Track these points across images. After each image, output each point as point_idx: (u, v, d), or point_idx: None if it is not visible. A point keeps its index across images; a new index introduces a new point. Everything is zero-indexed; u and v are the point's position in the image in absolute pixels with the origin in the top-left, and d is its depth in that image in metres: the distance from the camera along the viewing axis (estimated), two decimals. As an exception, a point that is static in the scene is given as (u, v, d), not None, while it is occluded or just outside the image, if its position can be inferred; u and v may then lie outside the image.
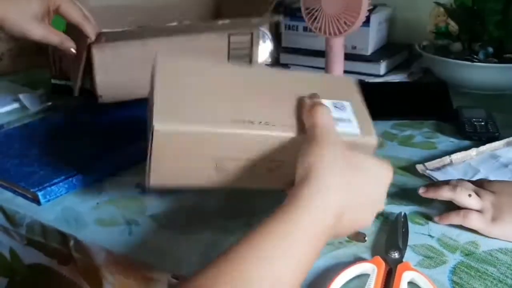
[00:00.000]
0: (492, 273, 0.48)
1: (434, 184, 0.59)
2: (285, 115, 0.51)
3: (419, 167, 0.66)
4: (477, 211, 0.53)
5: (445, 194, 0.55)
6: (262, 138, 0.49)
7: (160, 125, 0.46)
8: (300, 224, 0.41)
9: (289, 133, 0.49)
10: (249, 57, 0.81)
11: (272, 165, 0.51)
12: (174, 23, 0.74)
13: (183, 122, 0.48)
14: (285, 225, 0.41)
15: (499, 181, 0.58)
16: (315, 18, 0.85)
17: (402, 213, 0.56)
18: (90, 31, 0.73)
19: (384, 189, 0.49)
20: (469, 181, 0.57)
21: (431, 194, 0.56)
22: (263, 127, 0.49)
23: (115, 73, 0.77)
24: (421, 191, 0.57)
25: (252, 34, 0.79)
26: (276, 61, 1.15)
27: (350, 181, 0.45)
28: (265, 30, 0.76)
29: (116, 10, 0.93)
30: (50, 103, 0.94)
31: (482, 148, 0.70)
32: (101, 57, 0.76)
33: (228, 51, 0.81)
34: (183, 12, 0.95)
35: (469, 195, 0.54)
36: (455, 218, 0.54)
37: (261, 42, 0.81)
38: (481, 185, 0.56)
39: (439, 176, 0.64)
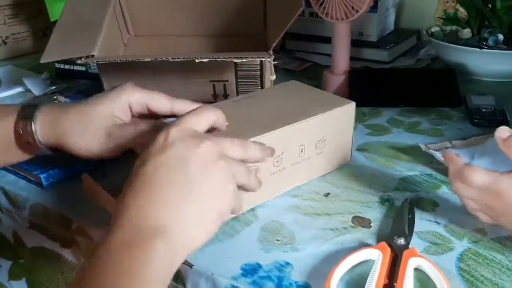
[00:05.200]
0: (500, 261, 0.47)
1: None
2: None
3: (422, 146, 0.66)
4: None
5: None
6: None
7: None
8: None
9: None
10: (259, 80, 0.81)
11: None
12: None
13: None
14: None
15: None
16: (322, 3, 0.84)
17: (408, 199, 0.55)
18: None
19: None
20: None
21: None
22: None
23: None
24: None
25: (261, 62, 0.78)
26: (281, 48, 1.14)
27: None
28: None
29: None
30: (54, 88, 0.93)
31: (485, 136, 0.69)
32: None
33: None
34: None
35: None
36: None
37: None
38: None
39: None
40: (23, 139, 0.54)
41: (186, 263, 0.48)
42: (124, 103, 0.54)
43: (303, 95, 0.65)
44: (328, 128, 0.60)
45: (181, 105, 0.54)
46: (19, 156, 0.57)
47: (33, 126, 0.54)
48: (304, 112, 0.58)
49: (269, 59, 0.74)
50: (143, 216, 0.39)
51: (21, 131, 0.54)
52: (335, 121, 0.60)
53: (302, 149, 0.58)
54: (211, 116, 0.47)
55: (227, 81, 0.80)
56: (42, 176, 0.61)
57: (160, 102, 0.55)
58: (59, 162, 0.63)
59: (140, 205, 0.40)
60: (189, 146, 0.42)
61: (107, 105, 0.54)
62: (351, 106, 0.61)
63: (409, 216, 0.53)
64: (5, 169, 0.66)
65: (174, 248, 0.39)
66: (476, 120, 0.75)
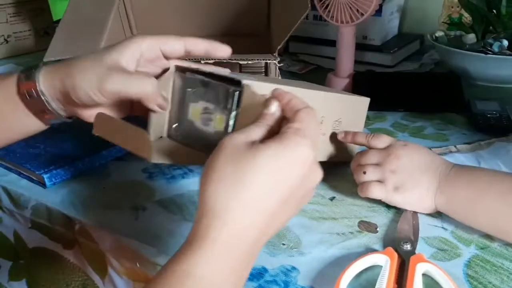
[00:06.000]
0: (508, 268, 0.46)
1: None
2: None
3: None
4: (379, 181, 0.54)
5: (359, 139, 0.58)
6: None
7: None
8: None
9: None
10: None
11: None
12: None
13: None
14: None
15: (404, 144, 0.56)
16: (327, 6, 0.84)
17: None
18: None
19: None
20: (372, 147, 0.58)
21: (349, 138, 0.58)
22: None
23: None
24: (339, 136, 0.59)
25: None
26: (284, 50, 1.14)
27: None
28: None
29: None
30: (56, 87, 0.93)
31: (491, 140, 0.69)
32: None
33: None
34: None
35: (364, 172, 0.55)
36: (360, 193, 0.55)
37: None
38: (386, 150, 0.56)
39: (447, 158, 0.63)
40: (26, 94, 0.49)
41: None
42: (133, 51, 0.50)
43: (318, 86, 0.65)
44: (346, 111, 0.60)
45: (193, 42, 0.52)
46: (28, 121, 0.51)
47: (36, 77, 0.49)
48: (327, 90, 0.58)
49: (274, 61, 0.73)
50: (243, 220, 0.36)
51: (24, 88, 0.49)
52: (351, 107, 0.62)
53: (322, 120, 0.57)
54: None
55: None
56: (45, 176, 0.60)
57: (173, 42, 0.51)
58: (62, 160, 0.63)
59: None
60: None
61: (113, 53, 0.49)
62: (366, 100, 0.64)
63: (413, 222, 0.52)
64: (7, 168, 0.65)
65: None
66: (481, 126, 0.74)
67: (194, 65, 0.49)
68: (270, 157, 0.36)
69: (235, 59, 0.70)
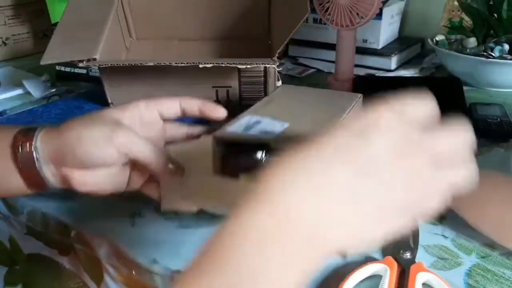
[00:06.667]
0: (510, 277, 0.46)
1: None
2: None
3: None
4: None
5: None
6: None
7: None
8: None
9: None
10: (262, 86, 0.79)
11: None
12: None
13: None
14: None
15: None
16: (327, 9, 0.83)
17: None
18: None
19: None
20: None
21: None
22: None
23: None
24: None
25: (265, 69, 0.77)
26: (284, 54, 1.13)
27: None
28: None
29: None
30: (54, 90, 0.92)
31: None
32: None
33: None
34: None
35: None
36: None
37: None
38: None
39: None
40: (20, 147, 0.47)
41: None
42: (132, 111, 0.50)
43: (309, 95, 0.65)
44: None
45: (188, 102, 0.52)
46: (12, 178, 0.48)
47: (35, 134, 0.47)
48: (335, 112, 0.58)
49: (273, 66, 0.73)
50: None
51: (19, 141, 0.47)
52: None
53: None
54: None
55: (230, 87, 0.79)
56: (41, 181, 0.59)
57: (169, 103, 0.52)
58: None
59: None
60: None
61: (114, 113, 0.49)
62: (360, 98, 0.65)
63: (413, 229, 0.52)
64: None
65: None
66: (482, 131, 0.73)
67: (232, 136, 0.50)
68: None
69: (234, 63, 0.70)
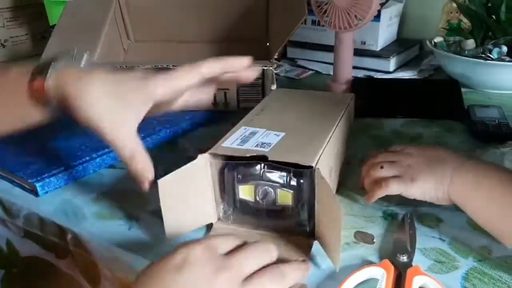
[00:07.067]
0: (507, 281, 0.46)
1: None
2: None
3: None
4: (397, 176, 0.54)
5: (366, 181, 0.56)
6: None
7: None
8: None
9: None
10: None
11: None
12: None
13: None
14: None
15: (416, 145, 0.61)
16: (325, 12, 0.83)
17: (408, 214, 0.54)
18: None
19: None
20: (386, 150, 0.59)
21: (371, 198, 0.55)
22: None
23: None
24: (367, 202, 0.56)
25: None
26: (282, 55, 1.13)
27: None
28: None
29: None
30: (51, 92, 0.92)
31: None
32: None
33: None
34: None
35: (381, 167, 0.55)
36: (378, 191, 0.54)
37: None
38: (399, 151, 0.58)
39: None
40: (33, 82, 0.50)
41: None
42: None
43: (303, 99, 0.66)
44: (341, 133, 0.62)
45: (209, 67, 0.52)
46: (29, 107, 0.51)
47: (48, 72, 0.50)
48: (330, 116, 0.60)
49: (271, 68, 0.73)
50: None
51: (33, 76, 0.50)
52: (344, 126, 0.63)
53: (331, 170, 0.56)
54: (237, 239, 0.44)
55: (228, 89, 0.79)
56: (38, 184, 0.59)
57: (186, 77, 0.52)
58: (55, 168, 0.62)
59: None
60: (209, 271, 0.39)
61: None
62: (353, 97, 0.67)
63: (410, 232, 0.52)
64: (0, 176, 0.64)
65: None
66: (480, 133, 0.73)
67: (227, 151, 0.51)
68: None
69: None
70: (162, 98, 0.51)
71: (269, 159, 0.48)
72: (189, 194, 0.50)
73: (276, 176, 0.49)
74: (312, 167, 0.47)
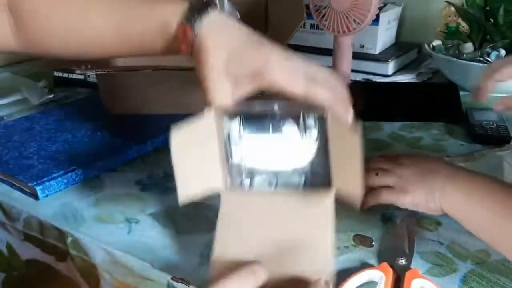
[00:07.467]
0: (505, 283, 0.46)
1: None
2: None
3: None
4: (389, 186, 0.54)
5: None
6: None
7: None
8: None
9: None
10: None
11: None
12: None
13: None
14: None
15: (409, 154, 0.62)
16: (324, 15, 0.83)
17: (407, 218, 0.54)
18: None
19: None
20: (382, 156, 0.60)
21: (364, 205, 0.55)
22: None
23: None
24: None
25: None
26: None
27: None
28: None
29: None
30: (51, 96, 0.92)
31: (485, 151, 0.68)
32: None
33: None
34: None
35: (376, 174, 0.56)
36: (370, 200, 0.55)
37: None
38: (393, 159, 0.58)
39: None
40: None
41: (182, 281, 0.47)
42: None
43: None
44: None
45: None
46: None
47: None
48: None
49: None
50: None
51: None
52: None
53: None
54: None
55: None
56: (38, 188, 0.60)
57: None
58: (55, 172, 0.62)
59: None
60: None
61: None
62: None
63: (409, 235, 0.52)
64: (0, 179, 0.64)
65: None
66: (478, 136, 0.74)
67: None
68: None
69: None
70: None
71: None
72: (201, 152, 0.49)
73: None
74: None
